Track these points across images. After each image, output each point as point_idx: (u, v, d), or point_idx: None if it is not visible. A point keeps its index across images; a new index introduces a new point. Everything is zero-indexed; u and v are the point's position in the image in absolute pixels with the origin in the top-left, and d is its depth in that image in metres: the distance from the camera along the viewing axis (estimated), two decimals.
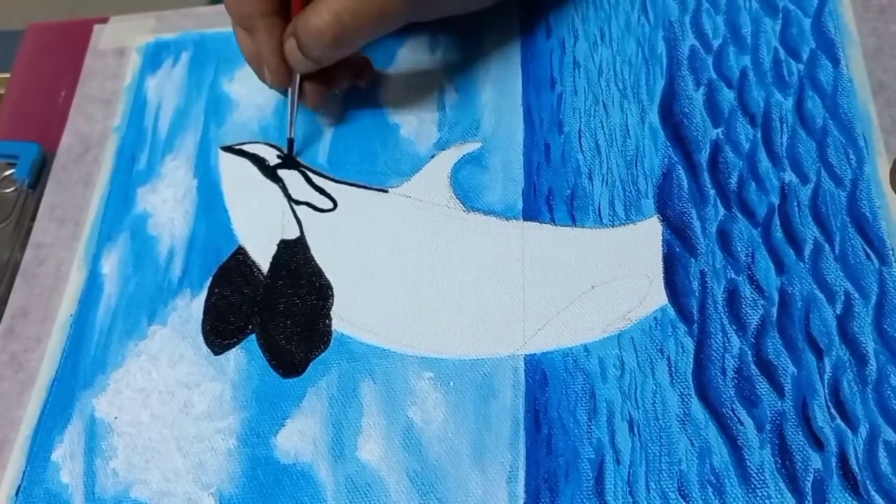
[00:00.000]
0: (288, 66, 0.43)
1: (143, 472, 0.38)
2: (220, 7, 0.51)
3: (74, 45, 0.52)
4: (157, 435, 0.39)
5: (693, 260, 0.39)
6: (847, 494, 0.33)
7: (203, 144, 0.47)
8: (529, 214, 0.42)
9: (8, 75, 0.53)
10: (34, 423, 0.40)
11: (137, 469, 0.38)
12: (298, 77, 0.44)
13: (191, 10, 0.52)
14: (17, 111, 0.51)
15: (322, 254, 0.43)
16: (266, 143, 0.47)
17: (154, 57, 0.51)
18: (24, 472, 0.39)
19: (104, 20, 0.53)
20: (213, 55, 0.50)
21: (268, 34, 0.42)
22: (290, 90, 0.45)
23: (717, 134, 0.41)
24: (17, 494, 0.38)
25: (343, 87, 0.46)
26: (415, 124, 0.46)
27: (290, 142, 0.46)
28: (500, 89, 0.46)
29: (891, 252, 0.37)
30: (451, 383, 0.38)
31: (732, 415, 0.35)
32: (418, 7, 0.42)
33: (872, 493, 0.33)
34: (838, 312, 0.36)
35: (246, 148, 0.47)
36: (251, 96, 0.48)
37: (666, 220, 0.40)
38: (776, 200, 0.39)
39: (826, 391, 0.35)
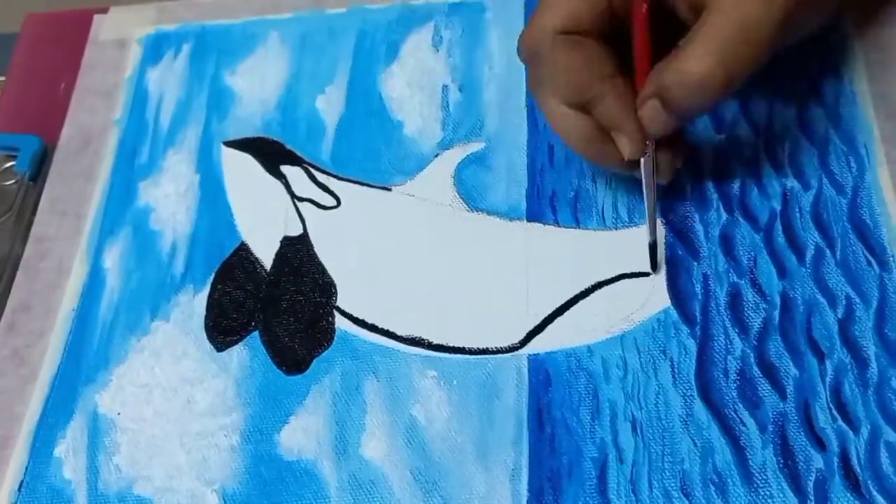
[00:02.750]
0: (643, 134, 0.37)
1: (146, 469, 0.38)
2: None
3: (74, 36, 0.51)
4: (160, 431, 0.39)
5: (696, 263, 0.39)
6: (849, 494, 0.33)
7: (205, 139, 0.47)
8: (533, 215, 0.42)
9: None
10: (36, 419, 0.40)
11: (140, 465, 0.38)
12: (653, 157, 0.38)
13: (191, 1, 0.52)
14: (17, 103, 0.50)
15: (325, 251, 0.43)
16: (269, 139, 0.46)
17: (155, 48, 0.51)
18: (26, 468, 0.39)
19: (104, 10, 0.52)
20: (214, 47, 0.50)
21: (618, 97, 0.37)
22: (644, 169, 0.38)
23: (721, 140, 0.42)
24: (19, 490, 0.38)
25: (684, 152, 0.40)
26: (418, 123, 0.46)
27: (653, 247, 0.39)
28: (504, 89, 0.46)
29: (891, 258, 0.38)
30: (455, 382, 0.38)
31: (735, 416, 0.36)
32: (788, 25, 0.36)
33: (874, 492, 0.33)
34: (840, 316, 0.37)
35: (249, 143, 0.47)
36: (253, 90, 0.48)
37: (669, 224, 0.40)
38: (778, 206, 0.40)
39: (827, 393, 0.35)
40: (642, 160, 0.38)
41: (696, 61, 0.35)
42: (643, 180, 0.38)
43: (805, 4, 0.36)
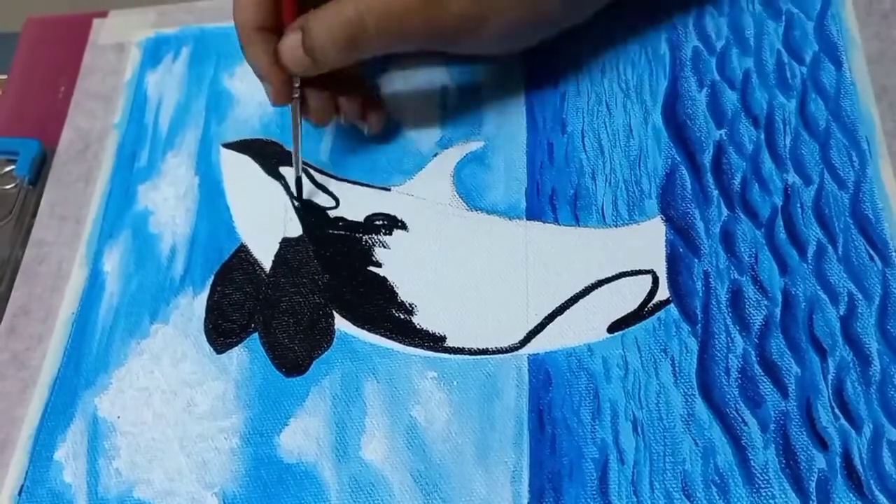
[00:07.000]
0: (289, 80, 0.41)
1: (146, 472, 0.38)
2: (220, 1, 0.51)
3: (74, 40, 0.52)
4: (160, 434, 0.39)
5: (697, 260, 0.39)
6: (851, 494, 0.33)
7: (204, 141, 0.47)
8: (533, 214, 0.42)
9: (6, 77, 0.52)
10: (36, 423, 0.40)
11: (141, 468, 0.38)
12: (298, 104, 0.42)
13: (191, 5, 0.52)
14: (17, 107, 0.50)
15: (324, 252, 0.42)
16: (268, 140, 0.46)
17: (154, 52, 0.51)
18: (26, 472, 0.39)
19: (103, 14, 0.52)
20: (213, 50, 0.50)
21: (263, 49, 0.40)
22: (292, 116, 0.42)
23: (721, 135, 0.42)
24: (20, 494, 0.38)
25: (349, 117, 0.44)
26: (417, 122, 0.45)
27: (298, 181, 0.43)
28: (502, 88, 0.46)
29: (894, 253, 0.37)
30: (455, 383, 0.38)
31: (736, 415, 0.35)
32: (438, 37, 0.40)
33: (876, 492, 0.33)
34: (842, 313, 0.36)
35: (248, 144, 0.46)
36: (252, 93, 0.48)
37: (669, 221, 0.40)
38: (779, 201, 0.39)
39: (830, 391, 0.35)
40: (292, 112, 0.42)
41: (336, 9, 0.38)
42: (292, 128, 0.42)
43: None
